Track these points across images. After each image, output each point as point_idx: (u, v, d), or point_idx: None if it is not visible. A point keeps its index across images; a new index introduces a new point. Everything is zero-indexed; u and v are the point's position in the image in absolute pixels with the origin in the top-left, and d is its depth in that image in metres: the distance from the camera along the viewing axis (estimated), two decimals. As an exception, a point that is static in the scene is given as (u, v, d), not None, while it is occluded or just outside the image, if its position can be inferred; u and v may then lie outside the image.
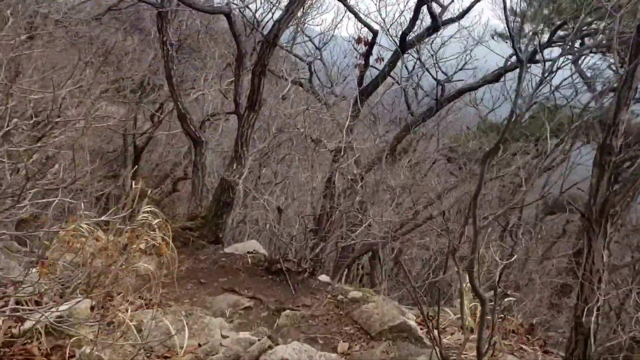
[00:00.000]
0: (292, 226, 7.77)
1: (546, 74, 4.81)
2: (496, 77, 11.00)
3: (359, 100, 10.20)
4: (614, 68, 10.17)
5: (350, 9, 11.72)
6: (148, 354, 4.72)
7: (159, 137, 19.80)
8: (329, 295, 6.26)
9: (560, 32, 11.20)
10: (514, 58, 11.29)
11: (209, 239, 7.57)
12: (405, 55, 11.49)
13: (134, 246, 5.47)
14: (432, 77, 11.73)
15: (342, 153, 8.22)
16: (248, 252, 7.27)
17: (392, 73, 11.59)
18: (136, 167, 19.34)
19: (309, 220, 7.43)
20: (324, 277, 6.88)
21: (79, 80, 14.75)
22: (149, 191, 18.53)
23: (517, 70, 10.97)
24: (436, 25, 10.87)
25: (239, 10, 9.37)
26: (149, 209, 6.24)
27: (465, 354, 4.91)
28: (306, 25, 13.06)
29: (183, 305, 6.18)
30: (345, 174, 7.83)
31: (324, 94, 10.85)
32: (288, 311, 5.82)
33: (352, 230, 7.40)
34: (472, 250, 3.85)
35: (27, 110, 12.83)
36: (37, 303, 4.75)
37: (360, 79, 11.51)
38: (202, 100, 10.66)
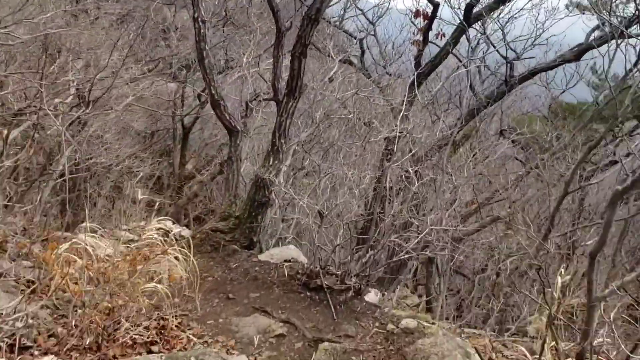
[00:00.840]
0: (336, 231, 6.75)
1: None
2: (576, 55, 9.49)
3: (416, 83, 8.97)
4: None
5: (408, -22, 10.43)
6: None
7: (209, 115, 19.09)
8: (377, 323, 5.23)
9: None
10: (596, 33, 9.75)
11: (242, 243, 6.67)
12: (470, 31, 10.12)
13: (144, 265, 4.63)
14: (500, 55, 10.31)
15: (394, 147, 7.09)
16: (285, 261, 6.33)
17: (454, 51, 10.26)
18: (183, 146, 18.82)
19: (356, 225, 6.39)
20: (371, 296, 5.85)
21: (123, 58, 14.01)
22: (197, 173, 17.52)
23: (602, 47, 9.52)
24: (508, -7, 9.49)
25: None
26: (161, 219, 5.38)
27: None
28: (358, -3, 11.83)
29: (205, 327, 5.32)
30: (398, 169, 6.71)
31: (377, 75, 9.66)
32: (327, 343, 4.84)
33: (406, 239, 6.30)
34: (583, 335, 2.70)
35: (69, 89, 12.28)
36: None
37: (418, 58, 10.23)
38: (243, 82, 9.68)
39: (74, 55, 11.96)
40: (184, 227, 13.91)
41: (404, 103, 7.38)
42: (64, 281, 4.35)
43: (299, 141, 7.62)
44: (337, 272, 5.94)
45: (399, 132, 7.27)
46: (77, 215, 17.41)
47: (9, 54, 9.90)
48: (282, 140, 6.63)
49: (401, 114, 6.65)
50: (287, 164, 6.95)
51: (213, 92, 7.25)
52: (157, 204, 19.97)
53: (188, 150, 21.53)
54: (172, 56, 17.86)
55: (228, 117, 7.31)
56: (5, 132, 12.39)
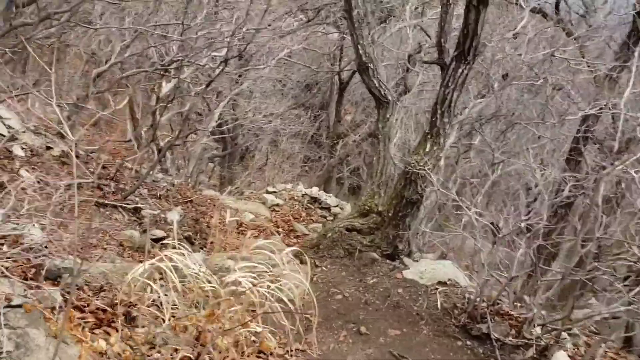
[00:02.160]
0: (511, 242, 4.90)
1: None
2: None
3: (630, 42, 6.52)
4: None
5: None
6: None
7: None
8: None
9: None
10: None
11: (383, 251, 5.15)
12: None
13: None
14: None
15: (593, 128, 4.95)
16: (439, 283, 4.71)
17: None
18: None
19: (537, 235, 4.51)
20: (560, 356, 4.02)
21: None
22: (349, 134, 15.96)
23: None
24: None
25: None
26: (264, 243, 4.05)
27: None
28: None
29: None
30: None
31: (580, 31, 7.24)
32: None
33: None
34: None
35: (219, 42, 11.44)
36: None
37: None
38: (402, 37, 7.89)
39: (221, 4, 11.06)
40: (330, 195, 12.80)
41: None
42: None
43: (466, 118, 5.79)
44: (513, 313, 4.19)
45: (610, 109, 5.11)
46: (233, 170, 17.25)
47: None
48: (446, 119, 4.88)
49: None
50: (448, 148, 5.20)
51: (361, 51, 5.65)
52: (309, 161, 19.22)
53: (346, 104, 20.31)
54: (333, 3, 16.42)
55: (377, 84, 5.69)
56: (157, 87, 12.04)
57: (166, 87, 11.34)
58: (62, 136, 9.48)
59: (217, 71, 7.96)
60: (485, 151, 7.55)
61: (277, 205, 11.43)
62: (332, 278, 4.93)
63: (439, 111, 4.86)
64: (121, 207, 7.88)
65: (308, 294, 4.21)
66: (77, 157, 9.01)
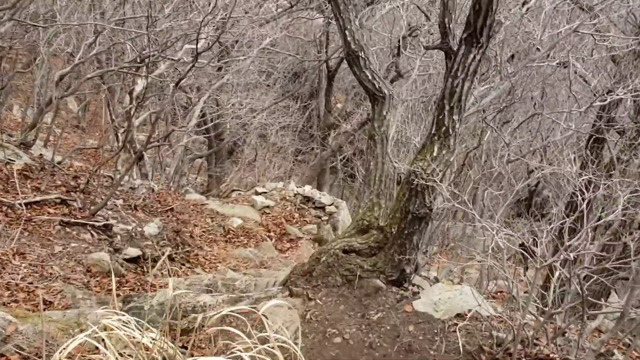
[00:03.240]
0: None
1: None
2: None
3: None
4: None
5: None
6: None
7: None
8: None
9: None
10: None
11: (388, 276, 4.29)
12: None
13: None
14: None
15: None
16: (457, 316, 3.87)
17: None
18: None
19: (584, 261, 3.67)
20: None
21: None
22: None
23: None
24: None
25: None
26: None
27: None
28: None
29: None
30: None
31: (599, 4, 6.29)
32: None
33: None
34: None
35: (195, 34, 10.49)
36: None
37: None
38: (395, 17, 6.95)
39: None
40: (324, 193, 11.93)
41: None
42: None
43: (477, 110, 4.91)
44: (554, 356, 3.36)
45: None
46: (222, 169, 16.32)
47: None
48: (455, 116, 4.00)
49: None
50: (456, 152, 4.35)
51: (349, 38, 4.75)
52: (300, 154, 18.32)
53: (336, 92, 19.36)
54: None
55: (370, 76, 4.79)
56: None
57: (140, 85, 10.37)
58: (26, 147, 8.55)
59: (189, 66, 6.99)
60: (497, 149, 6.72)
61: (268, 207, 10.54)
62: (329, 314, 4.08)
63: (446, 107, 3.97)
64: (90, 224, 7.00)
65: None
66: (42, 169, 8.10)
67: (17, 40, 8.29)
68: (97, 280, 5.97)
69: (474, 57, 3.89)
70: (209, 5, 9.85)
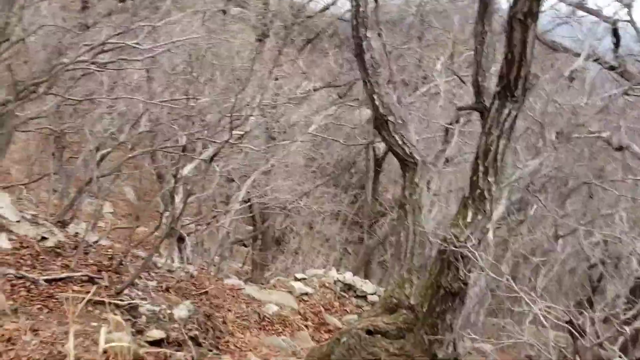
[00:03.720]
0: None
1: None
2: None
3: None
4: None
5: None
6: None
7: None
8: None
9: None
10: None
11: (419, 362, 3.72)
12: None
13: None
14: None
15: None
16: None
17: None
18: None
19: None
20: None
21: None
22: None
23: None
24: None
25: None
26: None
27: None
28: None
29: None
30: None
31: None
32: None
33: None
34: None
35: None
36: None
37: None
38: (434, 96, 6.75)
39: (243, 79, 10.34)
40: (366, 281, 11.32)
41: None
42: None
43: (520, 177, 4.45)
44: None
45: None
46: (267, 257, 16.00)
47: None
48: (491, 178, 3.57)
49: None
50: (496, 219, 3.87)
51: (377, 102, 4.51)
52: (347, 243, 17.82)
53: (384, 181, 19.09)
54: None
55: (400, 141, 4.47)
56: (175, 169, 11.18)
57: (187, 168, 10.45)
58: (62, 225, 8.57)
59: (224, 143, 6.91)
60: (542, 223, 6.14)
61: (306, 294, 10.00)
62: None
63: (480, 167, 3.56)
64: (114, 303, 6.71)
65: None
66: (75, 247, 8.02)
67: (66, 122, 8.56)
68: (113, 363, 5.56)
69: (509, 112, 3.52)
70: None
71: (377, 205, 15.55)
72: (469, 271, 3.50)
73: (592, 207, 5.93)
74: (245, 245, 17.08)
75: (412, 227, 4.34)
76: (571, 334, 2.64)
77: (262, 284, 11.59)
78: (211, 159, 7.14)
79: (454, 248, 3.41)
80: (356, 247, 18.58)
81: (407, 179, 4.46)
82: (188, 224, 10.61)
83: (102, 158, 8.14)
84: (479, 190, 3.57)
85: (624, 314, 2.75)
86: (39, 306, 5.87)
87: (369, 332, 3.90)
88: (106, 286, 7.04)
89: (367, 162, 16.15)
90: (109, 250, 9.05)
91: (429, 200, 4.73)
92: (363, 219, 16.64)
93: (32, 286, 6.31)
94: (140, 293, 7.66)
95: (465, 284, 3.54)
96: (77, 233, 8.31)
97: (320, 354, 3.96)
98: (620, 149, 6.45)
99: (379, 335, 3.88)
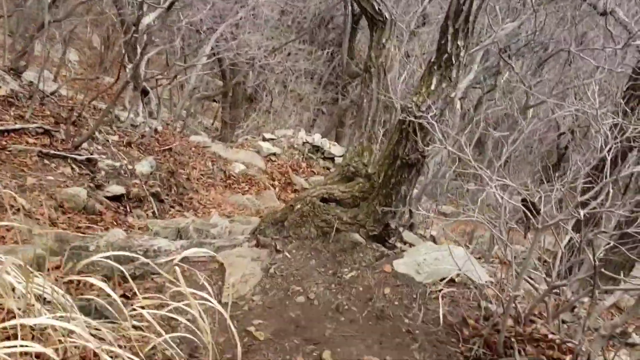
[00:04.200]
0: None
1: None
2: None
3: None
4: None
5: None
6: None
7: None
8: None
9: None
10: None
11: (369, 230, 3.67)
12: None
13: None
14: None
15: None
16: (442, 281, 3.25)
17: None
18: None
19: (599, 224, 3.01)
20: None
21: None
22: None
23: None
24: None
25: None
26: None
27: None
28: None
29: None
30: None
31: None
32: None
33: None
34: None
35: None
36: None
37: None
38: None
39: None
40: (334, 144, 11.26)
41: None
42: None
43: (495, 41, 4.14)
44: (554, 337, 2.72)
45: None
46: (237, 110, 15.67)
47: None
48: (460, 42, 3.27)
49: None
50: (465, 87, 3.65)
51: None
52: (321, 103, 17.53)
53: (361, 40, 18.35)
54: None
55: (369, -4, 4.05)
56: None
57: (149, 17, 9.71)
58: (16, 73, 8.06)
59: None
60: (516, 91, 5.92)
61: (274, 154, 9.95)
62: (297, 269, 3.50)
63: (450, 29, 3.24)
64: (71, 158, 6.53)
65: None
66: (30, 97, 7.62)
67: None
68: (68, 217, 5.53)
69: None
70: None
71: (352, 65, 15.04)
72: (428, 144, 3.33)
73: (570, 75, 5.71)
74: (215, 102, 16.65)
75: (376, 92, 4.09)
76: (525, 214, 2.56)
77: (232, 142, 11.47)
78: (170, 5, 6.53)
79: (413, 118, 3.21)
80: (330, 108, 18.33)
81: (375, 39, 4.11)
82: (151, 78, 10.13)
83: (54, 0, 7.43)
84: (446, 55, 3.29)
85: (582, 194, 2.65)
86: (-12, 158, 5.66)
87: (324, 199, 3.82)
88: (63, 140, 6.81)
89: (344, 18, 15.32)
90: (70, 101, 8.68)
91: (397, 64, 4.43)
92: (338, 79, 16.21)
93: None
94: (100, 147, 7.46)
95: (424, 156, 3.40)
96: (31, 82, 7.85)
97: (274, 219, 3.90)
98: (604, 13, 6.09)
99: (334, 204, 3.81)
